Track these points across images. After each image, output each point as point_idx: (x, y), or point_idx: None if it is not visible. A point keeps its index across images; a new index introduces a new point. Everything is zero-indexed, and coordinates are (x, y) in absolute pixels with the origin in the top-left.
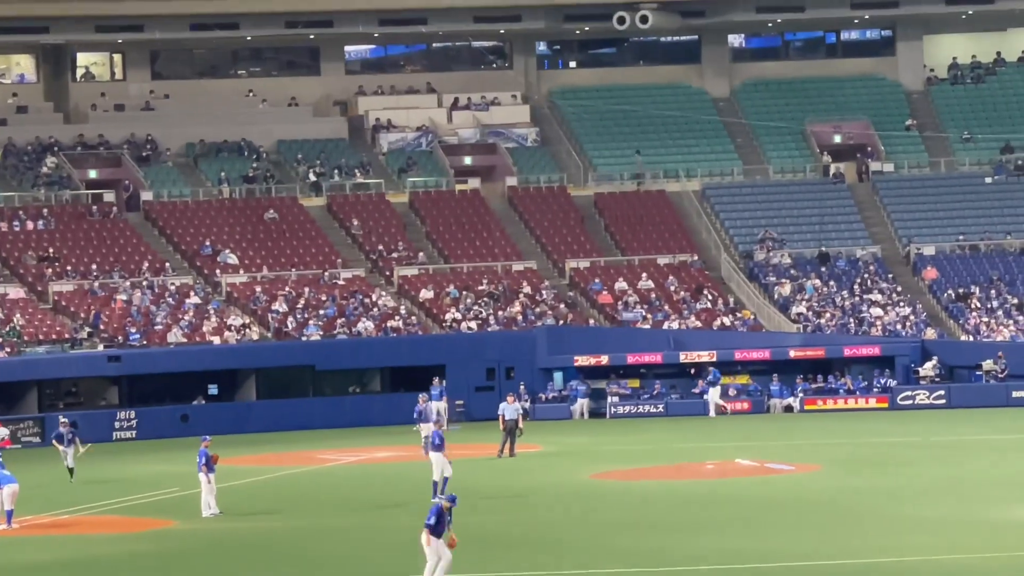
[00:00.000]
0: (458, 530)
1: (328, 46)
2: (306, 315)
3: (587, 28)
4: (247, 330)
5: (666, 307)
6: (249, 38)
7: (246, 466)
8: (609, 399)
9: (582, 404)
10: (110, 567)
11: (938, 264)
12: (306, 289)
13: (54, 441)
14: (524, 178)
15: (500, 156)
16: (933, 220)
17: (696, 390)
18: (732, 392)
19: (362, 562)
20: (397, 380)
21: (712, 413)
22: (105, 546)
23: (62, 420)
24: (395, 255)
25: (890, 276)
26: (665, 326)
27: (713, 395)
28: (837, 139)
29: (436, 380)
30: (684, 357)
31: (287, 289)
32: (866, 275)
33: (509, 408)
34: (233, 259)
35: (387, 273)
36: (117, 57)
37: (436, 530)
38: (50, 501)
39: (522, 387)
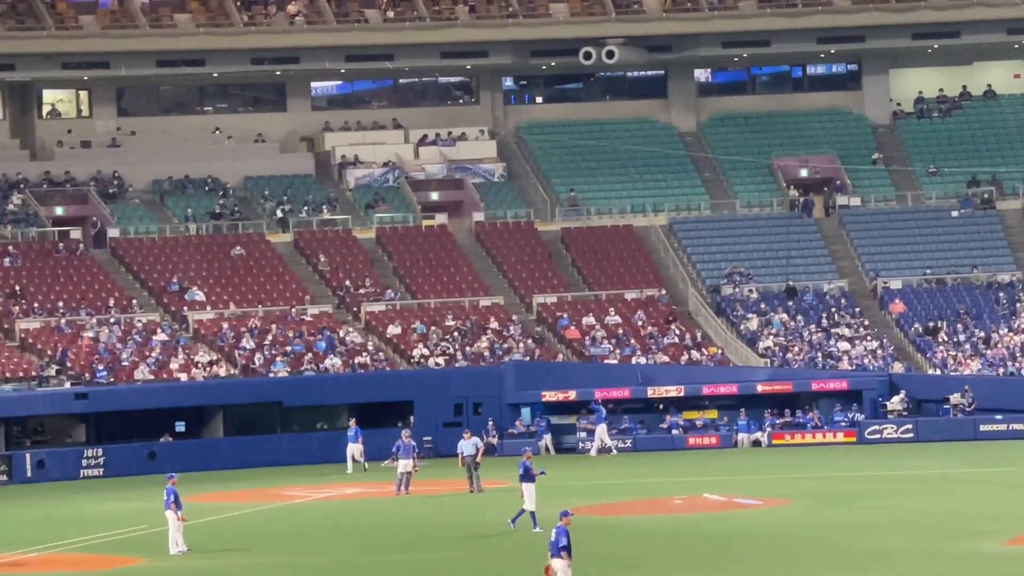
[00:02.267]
0: (432, 567)
1: (294, 82)
2: (273, 352)
3: (553, 63)
4: (214, 367)
5: (633, 342)
6: (215, 75)
7: (215, 503)
8: (580, 433)
9: (546, 440)
10: None
11: (905, 298)
12: (273, 326)
13: None
14: (491, 213)
15: (467, 191)
16: (900, 254)
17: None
18: (699, 425)
19: None
20: (365, 416)
21: (594, 452)
22: None
23: None
24: (362, 291)
25: (857, 310)
26: (633, 361)
27: (600, 432)
28: (804, 173)
29: (352, 422)
30: (652, 392)
31: (254, 325)
32: (833, 309)
33: (467, 444)
34: (200, 296)
35: (354, 309)
36: (83, 94)
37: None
38: (16, 539)
39: (491, 423)
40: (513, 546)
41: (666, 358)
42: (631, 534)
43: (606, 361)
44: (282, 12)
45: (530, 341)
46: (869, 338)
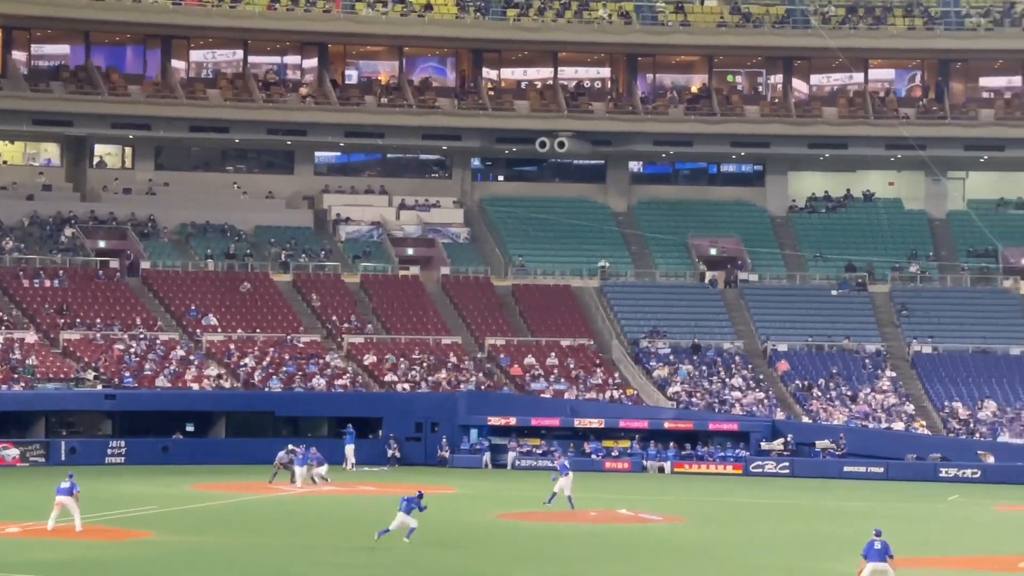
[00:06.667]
0: (382, 558)
1: (301, 151)
2: (270, 370)
3: (514, 149)
4: (221, 380)
5: (565, 381)
6: (237, 140)
7: (215, 491)
8: (510, 453)
9: (487, 457)
10: (102, 567)
11: (789, 359)
12: (271, 349)
13: None
14: (456, 268)
15: (437, 249)
16: (787, 322)
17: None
18: (615, 454)
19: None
20: (342, 428)
21: (348, 466)
22: (97, 550)
23: None
24: (346, 325)
25: (749, 366)
26: (564, 396)
27: (349, 452)
28: (713, 252)
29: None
30: (578, 423)
31: (256, 348)
32: (730, 364)
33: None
34: (213, 321)
35: (338, 340)
36: (128, 149)
37: None
38: (50, 512)
39: (444, 439)
40: (454, 540)
41: (591, 395)
42: (555, 538)
43: (542, 395)
44: (295, 93)
45: (481, 375)
46: (757, 390)
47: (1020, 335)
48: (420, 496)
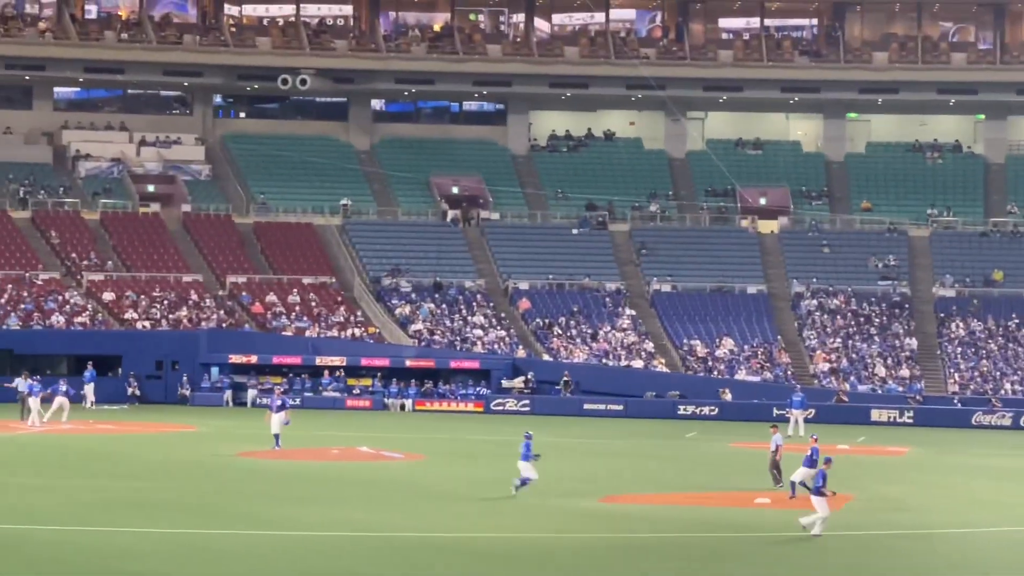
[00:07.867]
0: (123, 495)
1: (40, 86)
2: (8, 308)
3: (256, 86)
4: None
5: (307, 319)
6: None
7: None
8: (251, 391)
9: (228, 394)
10: None
11: (530, 297)
12: (10, 286)
13: None
14: (197, 206)
15: (178, 186)
16: (528, 261)
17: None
18: (357, 392)
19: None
20: (81, 366)
21: (88, 405)
22: None
23: None
24: (86, 263)
25: (491, 304)
26: (306, 334)
27: (88, 391)
28: (455, 190)
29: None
30: (320, 361)
31: None
32: (472, 302)
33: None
34: None
35: (78, 277)
36: None
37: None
38: None
39: (185, 377)
40: (196, 477)
41: (333, 333)
42: (297, 476)
43: (283, 333)
44: (34, 28)
45: (222, 312)
46: (499, 328)
47: (756, 274)
48: (529, 437)
